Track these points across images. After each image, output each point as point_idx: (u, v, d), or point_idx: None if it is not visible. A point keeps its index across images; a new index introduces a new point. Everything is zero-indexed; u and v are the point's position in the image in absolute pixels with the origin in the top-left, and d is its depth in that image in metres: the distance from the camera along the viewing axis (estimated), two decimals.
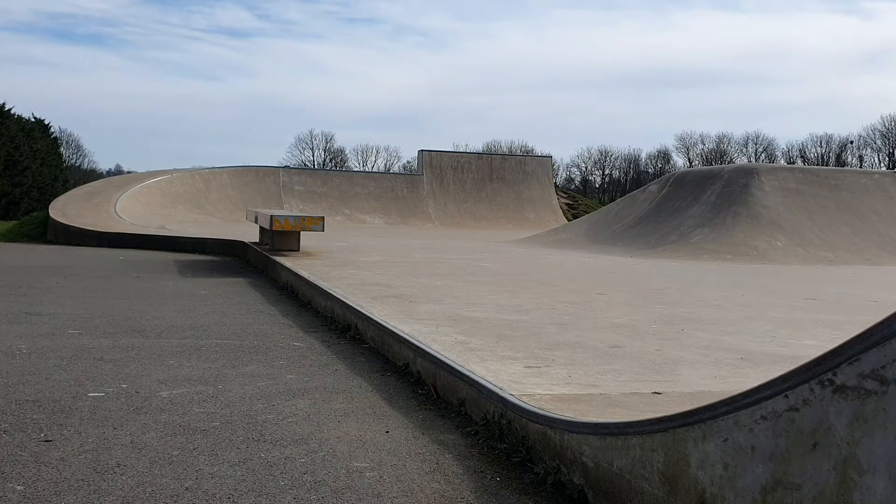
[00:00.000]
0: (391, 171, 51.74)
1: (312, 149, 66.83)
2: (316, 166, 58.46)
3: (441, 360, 3.10)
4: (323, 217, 8.85)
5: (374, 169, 61.33)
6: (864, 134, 66.73)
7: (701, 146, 71.43)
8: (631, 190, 35.54)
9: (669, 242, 12.55)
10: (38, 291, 6.34)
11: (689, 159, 70.26)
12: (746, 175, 14.12)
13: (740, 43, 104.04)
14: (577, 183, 67.68)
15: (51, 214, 14.27)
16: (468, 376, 2.82)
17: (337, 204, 21.06)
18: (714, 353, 3.51)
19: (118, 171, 49.60)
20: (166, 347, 3.98)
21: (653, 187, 16.23)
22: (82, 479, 2.06)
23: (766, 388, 1.37)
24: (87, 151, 61.20)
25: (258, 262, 8.89)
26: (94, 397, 2.95)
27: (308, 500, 1.96)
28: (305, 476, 2.14)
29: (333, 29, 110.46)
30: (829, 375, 1.25)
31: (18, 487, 1.99)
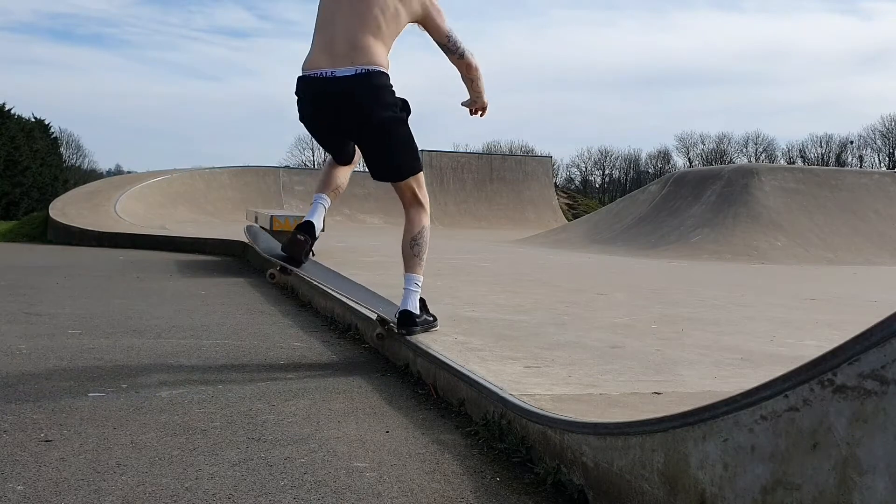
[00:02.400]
0: None
1: (312, 149, 66.83)
2: (316, 166, 58.44)
3: (441, 360, 3.10)
4: None
5: None
6: (864, 134, 66.85)
7: (701, 146, 71.50)
8: (631, 190, 35.53)
9: (669, 242, 12.56)
10: (38, 291, 6.34)
11: (689, 159, 70.32)
12: (746, 175, 14.13)
13: (740, 43, 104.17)
14: (577, 183, 67.76)
15: (51, 214, 14.27)
16: (468, 376, 2.82)
17: (337, 204, 21.01)
18: (714, 353, 3.51)
19: (118, 171, 49.64)
20: (166, 347, 3.98)
21: (653, 187, 16.24)
22: (82, 479, 2.06)
23: (766, 388, 1.37)
24: (87, 151, 61.27)
25: (258, 263, 8.89)
26: (94, 397, 2.95)
27: (308, 500, 1.96)
28: (305, 476, 2.14)
29: None
30: (829, 375, 1.25)
31: (18, 487, 1.99)
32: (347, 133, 3.68)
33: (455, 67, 3.84)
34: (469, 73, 3.85)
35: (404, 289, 3.70)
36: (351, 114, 3.56)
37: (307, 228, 3.67)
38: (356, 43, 3.53)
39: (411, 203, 3.78)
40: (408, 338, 3.55)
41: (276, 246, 3.87)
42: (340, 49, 3.53)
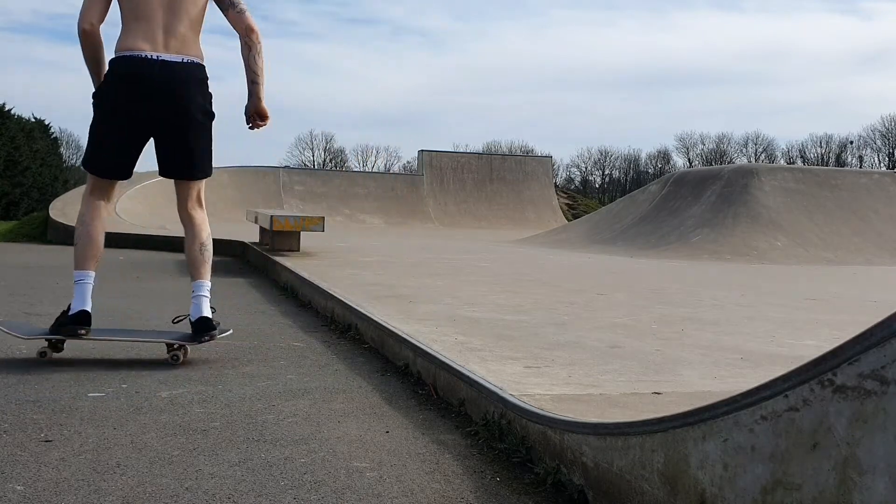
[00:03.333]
0: (391, 171, 51.77)
1: (312, 149, 66.79)
2: (316, 166, 58.50)
3: (441, 360, 3.10)
4: (323, 217, 8.85)
5: (374, 169, 61.44)
6: (864, 134, 66.92)
7: (701, 146, 71.54)
8: (631, 190, 35.58)
9: (669, 242, 12.55)
10: (38, 291, 6.34)
11: (689, 159, 70.36)
12: (746, 175, 14.12)
13: (740, 43, 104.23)
14: (577, 183, 67.81)
15: (51, 214, 14.27)
16: (468, 376, 2.82)
17: (337, 204, 21.05)
18: (714, 353, 3.51)
19: None
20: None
21: (653, 187, 16.23)
22: (82, 479, 2.06)
23: (766, 388, 1.37)
24: None
25: (258, 263, 8.89)
26: (94, 397, 2.95)
27: (308, 501, 1.96)
28: (305, 476, 2.14)
29: (333, 29, 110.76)
30: (829, 375, 1.25)
31: (18, 487, 1.99)
32: (156, 122, 3.59)
33: (239, 24, 3.68)
34: (250, 36, 3.68)
35: (198, 295, 3.65)
36: (170, 102, 3.54)
37: (85, 320, 3.61)
38: (178, 34, 3.56)
39: (195, 205, 3.75)
40: (407, 338, 3.55)
41: (35, 329, 3.79)
42: (162, 39, 3.54)
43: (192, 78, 3.59)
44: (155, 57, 3.51)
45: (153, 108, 3.55)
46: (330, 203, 20.78)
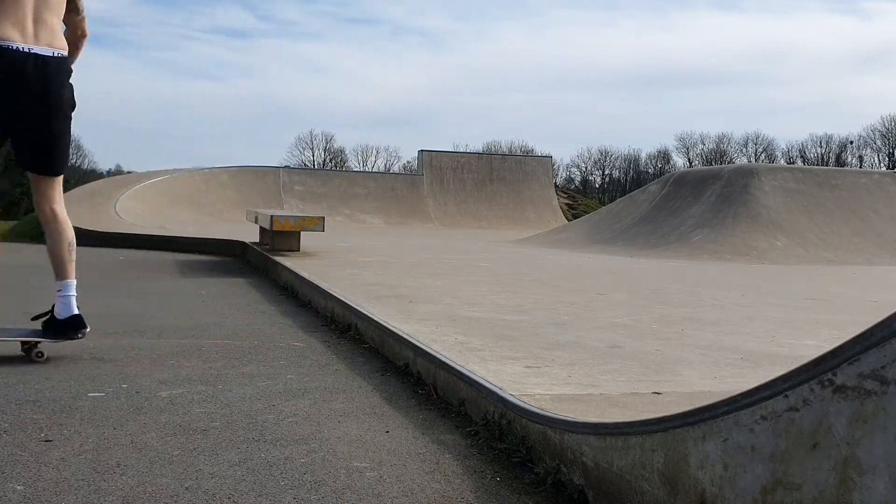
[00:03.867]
0: (391, 171, 51.75)
1: (312, 149, 66.75)
2: (316, 166, 58.47)
3: (441, 360, 3.10)
4: (323, 217, 8.84)
5: (374, 169, 61.40)
6: (864, 134, 66.89)
7: (701, 146, 71.52)
8: (631, 190, 35.57)
9: (669, 242, 12.55)
10: (38, 291, 6.33)
11: (689, 159, 70.34)
12: (746, 175, 14.12)
13: (740, 43, 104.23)
14: (577, 183, 67.79)
15: None
16: (468, 376, 2.82)
17: (337, 204, 21.05)
18: (714, 354, 3.51)
19: (118, 171, 49.52)
20: (166, 347, 3.99)
21: (653, 187, 16.24)
22: (82, 479, 2.06)
23: (766, 388, 1.37)
24: (87, 151, 61.01)
25: (258, 263, 8.90)
26: (94, 397, 2.95)
27: (308, 500, 1.96)
28: (305, 476, 2.14)
29: (333, 29, 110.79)
30: (829, 375, 1.25)
31: (18, 487, 1.99)
32: (21, 116, 3.50)
33: (79, 28, 3.77)
34: (83, 34, 3.80)
35: (67, 295, 3.61)
36: (42, 98, 3.49)
37: None
38: (47, 24, 3.52)
39: (58, 201, 3.74)
40: (407, 338, 3.55)
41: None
42: (31, 28, 3.47)
43: (62, 72, 3.55)
44: (27, 50, 3.43)
45: (21, 102, 3.47)
46: (330, 203, 20.78)
